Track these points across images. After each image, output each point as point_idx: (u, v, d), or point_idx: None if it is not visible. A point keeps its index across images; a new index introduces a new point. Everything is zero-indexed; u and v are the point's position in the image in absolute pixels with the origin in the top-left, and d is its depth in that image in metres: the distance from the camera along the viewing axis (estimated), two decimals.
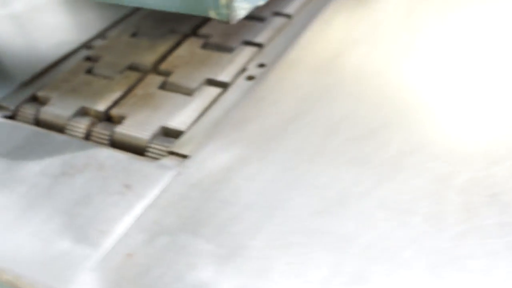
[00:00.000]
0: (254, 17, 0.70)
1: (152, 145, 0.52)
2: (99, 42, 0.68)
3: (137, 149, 0.52)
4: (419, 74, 0.58)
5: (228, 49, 0.64)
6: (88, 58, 0.65)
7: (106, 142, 0.54)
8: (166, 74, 0.61)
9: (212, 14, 0.48)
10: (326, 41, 0.65)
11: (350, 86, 0.57)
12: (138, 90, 0.58)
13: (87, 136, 0.54)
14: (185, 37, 0.67)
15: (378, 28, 0.67)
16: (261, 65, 0.61)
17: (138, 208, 0.45)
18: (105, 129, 0.54)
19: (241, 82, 0.59)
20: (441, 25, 0.66)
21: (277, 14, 0.70)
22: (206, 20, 0.69)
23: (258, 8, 0.71)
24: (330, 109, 0.54)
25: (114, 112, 0.56)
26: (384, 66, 0.60)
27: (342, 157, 0.48)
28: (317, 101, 0.55)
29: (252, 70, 0.61)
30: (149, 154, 0.51)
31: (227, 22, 0.48)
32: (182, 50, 0.64)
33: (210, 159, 0.49)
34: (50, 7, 0.75)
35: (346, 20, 0.69)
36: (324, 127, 0.52)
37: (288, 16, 0.70)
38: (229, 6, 0.47)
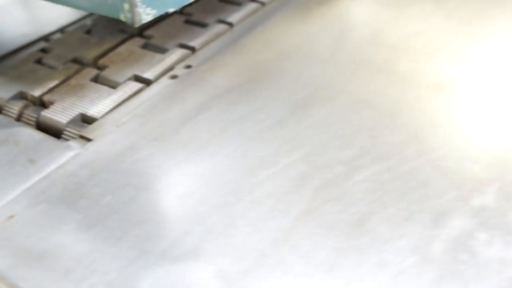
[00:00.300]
0: (198, 23, 0.76)
1: (68, 129, 0.58)
2: (56, 36, 0.76)
3: (56, 131, 0.59)
4: (331, 83, 0.63)
5: (162, 50, 0.70)
6: (42, 50, 0.73)
7: (33, 123, 0.61)
8: (102, 68, 0.67)
9: (122, 17, 0.55)
10: (256, 49, 0.71)
11: (261, 90, 0.63)
12: (73, 81, 0.65)
13: (19, 117, 0.62)
14: (131, 36, 0.74)
15: (311, 41, 0.72)
16: (188, 66, 0.67)
17: (33, 180, 0.51)
18: (34, 112, 0.61)
19: (164, 80, 0.65)
20: (367, 44, 0.71)
21: (220, 21, 0.76)
22: (153, 22, 0.76)
23: (202, 15, 0.78)
24: (231, 109, 0.59)
25: (46, 98, 0.63)
26: (302, 74, 0.65)
27: (222, 152, 0.54)
28: (223, 101, 0.60)
29: (178, 70, 0.67)
30: (64, 136, 0.58)
31: (132, 25, 0.54)
32: (122, 48, 0.71)
33: (108, 144, 0.55)
34: (18, 4, 0.83)
35: (283, 32, 0.74)
36: (219, 124, 0.57)
37: (230, 24, 0.76)
38: (131, 11, 0.53)
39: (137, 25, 0.54)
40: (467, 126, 0.56)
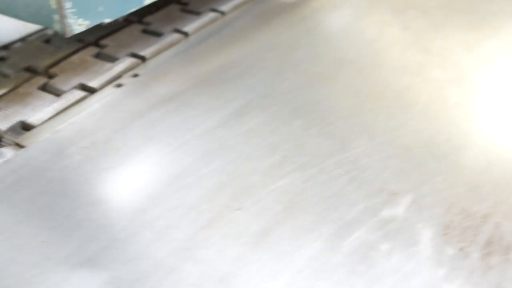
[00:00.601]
0: (154, 32, 0.77)
1: (6, 136, 0.60)
2: (17, 45, 0.78)
3: None
4: (271, 92, 0.63)
5: (114, 59, 0.71)
6: (0, 58, 0.74)
7: None
8: (52, 76, 0.69)
9: (55, 27, 0.56)
10: (207, 58, 0.71)
11: (200, 98, 0.63)
12: (21, 89, 0.67)
13: None
14: (87, 45, 0.75)
15: (262, 50, 0.72)
16: (135, 75, 0.68)
17: None
18: None
19: (109, 88, 0.66)
20: (315, 53, 0.71)
21: (176, 31, 0.77)
22: (111, 32, 0.78)
23: (160, 24, 0.79)
24: (166, 117, 0.60)
25: None
26: (244, 83, 0.65)
27: (147, 160, 0.54)
28: (160, 110, 0.61)
29: (125, 79, 0.68)
30: (2, 143, 0.59)
31: (64, 35, 0.55)
32: (76, 57, 0.72)
33: (39, 151, 0.56)
34: None
35: (237, 41, 0.74)
36: (150, 132, 0.58)
37: (185, 33, 0.77)
38: (62, 22, 0.54)
39: (68, 35, 0.55)
40: (394, 137, 0.55)
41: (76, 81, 0.67)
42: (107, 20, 0.59)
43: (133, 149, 0.56)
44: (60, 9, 0.54)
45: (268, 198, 0.48)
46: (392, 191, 0.48)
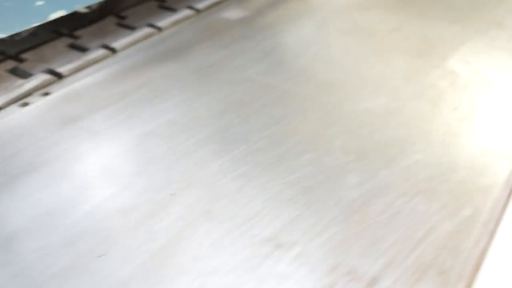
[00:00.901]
0: (80, 47, 0.72)
1: None
2: None
3: None
4: (182, 117, 0.58)
5: (28, 75, 0.66)
6: None
7: None
8: None
9: None
10: (128, 77, 0.66)
11: (105, 122, 0.58)
12: None
13: None
14: (7, 58, 0.70)
15: (190, 70, 0.67)
16: (46, 94, 0.63)
17: None
18: None
19: (13, 108, 0.61)
20: (246, 76, 0.65)
21: (104, 46, 0.72)
22: (35, 45, 0.73)
23: (90, 38, 0.74)
24: (62, 142, 0.55)
25: None
26: (156, 105, 0.60)
27: (27, 189, 0.49)
28: (59, 135, 0.56)
29: (34, 98, 0.63)
30: None
31: None
32: None
33: None
34: None
35: (167, 60, 0.69)
36: (37, 159, 0.53)
37: (113, 50, 0.72)
38: None
39: None
40: (301, 177, 0.49)
41: None
42: (1, 36, 0.54)
43: (14, 177, 0.51)
44: None
45: (137, 244, 0.43)
46: (279, 243, 0.43)
